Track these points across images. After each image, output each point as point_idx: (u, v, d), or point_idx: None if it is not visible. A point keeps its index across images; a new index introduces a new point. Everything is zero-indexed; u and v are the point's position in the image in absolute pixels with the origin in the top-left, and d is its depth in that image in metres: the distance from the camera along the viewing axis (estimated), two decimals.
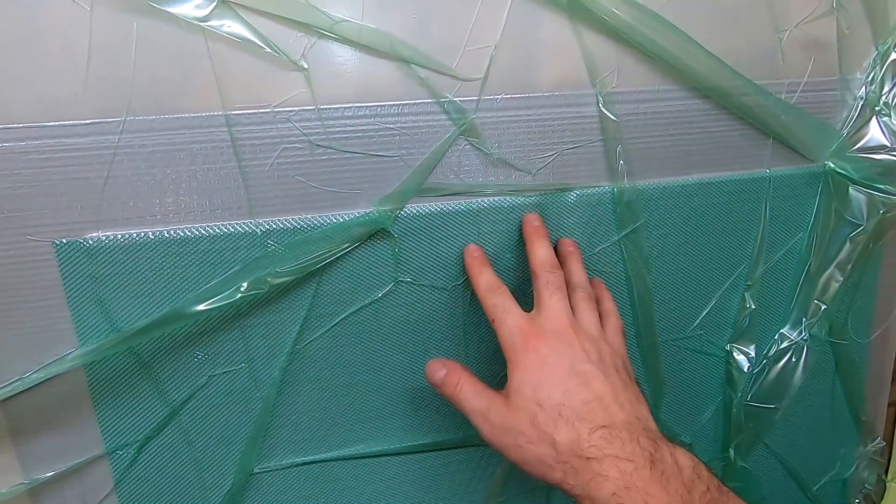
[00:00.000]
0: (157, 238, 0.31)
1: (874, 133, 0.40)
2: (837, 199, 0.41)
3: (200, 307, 0.31)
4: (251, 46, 0.30)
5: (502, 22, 0.34)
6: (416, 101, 0.33)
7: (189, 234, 0.32)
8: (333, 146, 0.33)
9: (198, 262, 0.32)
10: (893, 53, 0.40)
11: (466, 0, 0.33)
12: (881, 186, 0.40)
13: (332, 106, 0.32)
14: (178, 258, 0.32)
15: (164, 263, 0.32)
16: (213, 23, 0.30)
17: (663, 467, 0.26)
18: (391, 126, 0.33)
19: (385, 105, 0.33)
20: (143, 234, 0.31)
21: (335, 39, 0.31)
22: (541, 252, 0.33)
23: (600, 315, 0.34)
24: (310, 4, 0.31)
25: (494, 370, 0.39)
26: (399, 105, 0.33)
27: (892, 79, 0.40)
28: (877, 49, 0.40)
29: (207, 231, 0.32)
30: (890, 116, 0.40)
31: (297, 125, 0.32)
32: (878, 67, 0.40)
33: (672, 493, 0.25)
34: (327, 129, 0.33)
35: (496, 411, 0.29)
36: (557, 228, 0.38)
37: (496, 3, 0.33)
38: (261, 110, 0.31)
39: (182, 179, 0.31)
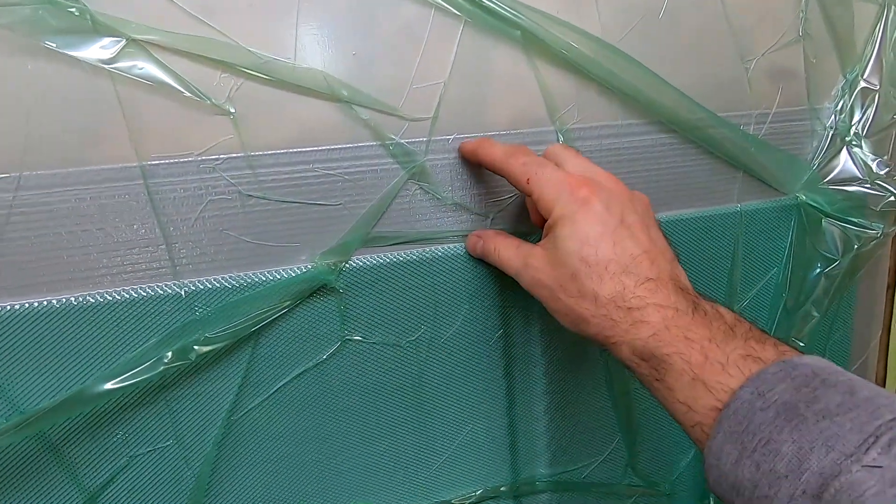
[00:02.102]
0: (63, 307, 0.28)
1: (845, 164, 0.39)
2: (811, 232, 0.39)
3: (115, 384, 0.28)
4: (168, 90, 0.27)
5: (451, 57, 0.31)
6: (360, 145, 0.30)
7: (102, 299, 0.28)
8: (267, 196, 0.30)
9: (114, 332, 0.28)
10: (861, 82, 0.38)
11: (411, 34, 0.30)
12: (855, 220, 0.38)
13: (265, 153, 0.29)
14: (90, 328, 0.28)
15: (73, 335, 0.28)
16: (122, 65, 0.26)
17: (705, 311, 0.26)
18: (332, 172, 0.30)
19: (324, 150, 0.30)
20: (46, 302, 0.27)
21: (265, 81, 0.28)
22: (497, 147, 0.30)
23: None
24: (234, 42, 0.28)
25: (455, 431, 0.36)
26: (340, 149, 0.30)
27: (862, 108, 0.39)
28: (845, 77, 0.39)
29: (123, 296, 0.28)
30: (861, 147, 0.38)
31: (224, 174, 0.29)
32: (846, 96, 0.39)
33: (714, 329, 0.25)
34: (259, 178, 0.29)
35: (534, 266, 0.28)
36: None
37: (444, 38, 0.31)
38: (182, 160, 0.28)
39: (92, 239, 0.28)
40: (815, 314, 0.40)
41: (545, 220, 0.28)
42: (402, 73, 0.30)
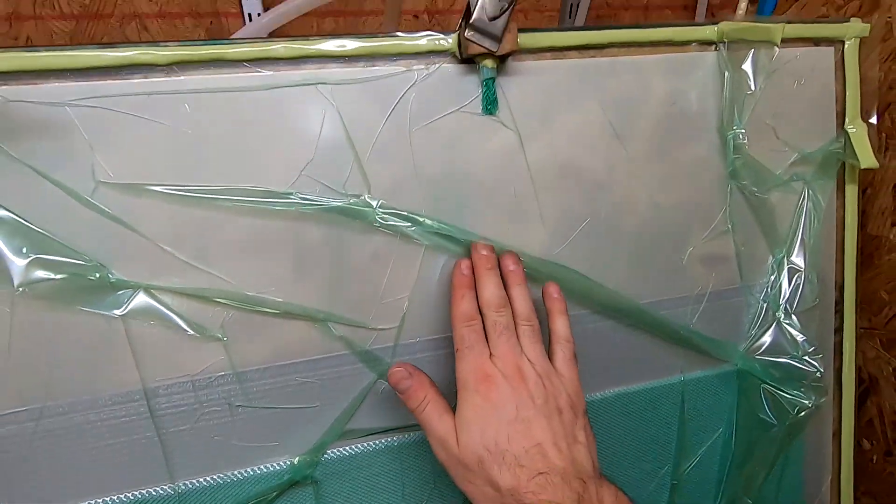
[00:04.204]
0: None
1: (777, 338, 0.43)
2: (751, 398, 0.43)
3: None
4: (171, 326, 0.32)
5: (415, 275, 0.36)
6: (334, 355, 0.35)
7: None
8: (253, 405, 0.34)
9: None
10: (787, 262, 0.43)
11: (379, 259, 0.35)
12: (789, 390, 0.42)
13: (251, 368, 0.34)
14: None
15: None
16: (133, 309, 0.31)
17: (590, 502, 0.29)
18: (309, 379, 0.35)
19: (303, 361, 0.35)
20: None
21: (253, 311, 0.33)
22: (489, 289, 0.34)
23: (550, 338, 0.35)
24: (227, 284, 0.33)
25: None
26: (317, 360, 0.35)
27: (790, 285, 0.43)
28: (773, 257, 0.44)
29: (122, 499, 0.33)
30: (790, 323, 0.42)
31: (216, 390, 0.33)
32: (775, 274, 0.43)
33: None
34: (246, 390, 0.34)
35: (450, 443, 0.31)
36: None
37: (408, 259, 0.36)
38: (180, 380, 0.33)
39: (100, 454, 0.32)
40: (762, 474, 0.43)
41: None
42: (371, 292, 0.35)
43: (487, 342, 0.33)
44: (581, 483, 0.30)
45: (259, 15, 0.55)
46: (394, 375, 0.33)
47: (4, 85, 0.29)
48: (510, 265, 0.36)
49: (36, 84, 0.29)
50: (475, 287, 0.34)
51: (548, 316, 0.35)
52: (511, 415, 0.31)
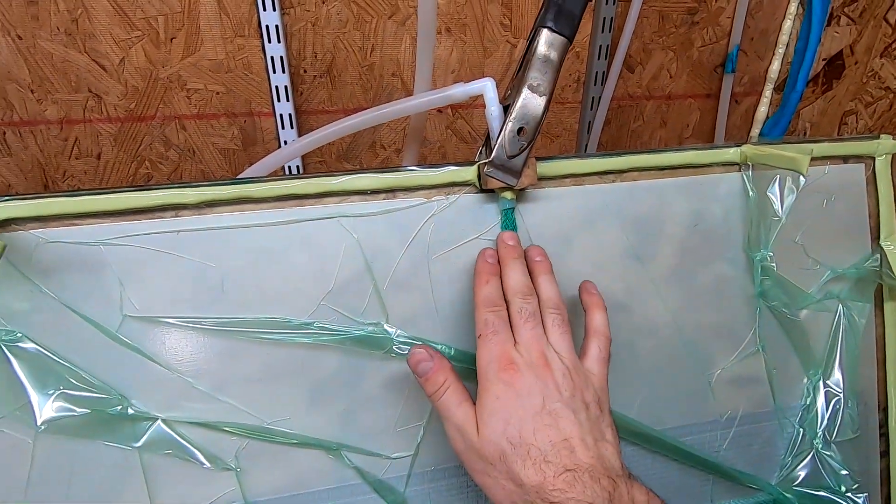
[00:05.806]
0: None
1: (816, 469, 0.40)
2: None
3: None
4: (185, 455, 0.32)
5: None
6: (347, 484, 0.34)
7: None
8: None
9: None
10: (824, 385, 0.41)
11: (394, 386, 0.35)
12: None
13: (262, 499, 0.33)
14: None
15: None
16: (150, 440, 0.31)
17: (620, 501, 0.27)
18: None
19: (315, 492, 0.34)
20: None
21: (266, 440, 0.33)
22: (514, 276, 0.33)
23: (586, 333, 0.33)
24: (244, 413, 0.33)
25: None
26: (329, 490, 0.34)
27: (829, 410, 0.41)
28: (808, 378, 0.42)
29: None
30: (831, 452, 0.40)
31: None
32: (811, 396, 0.41)
33: None
34: None
35: (470, 432, 0.29)
36: None
37: None
38: None
39: None
40: None
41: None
42: (386, 420, 0.35)
43: (512, 330, 0.31)
44: (611, 482, 0.28)
45: (290, 116, 0.57)
46: (414, 356, 0.32)
47: (44, 227, 0.30)
48: (536, 256, 0.35)
49: (73, 225, 0.31)
50: (500, 276, 0.33)
51: (585, 311, 0.34)
52: (537, 406, 0.29)
